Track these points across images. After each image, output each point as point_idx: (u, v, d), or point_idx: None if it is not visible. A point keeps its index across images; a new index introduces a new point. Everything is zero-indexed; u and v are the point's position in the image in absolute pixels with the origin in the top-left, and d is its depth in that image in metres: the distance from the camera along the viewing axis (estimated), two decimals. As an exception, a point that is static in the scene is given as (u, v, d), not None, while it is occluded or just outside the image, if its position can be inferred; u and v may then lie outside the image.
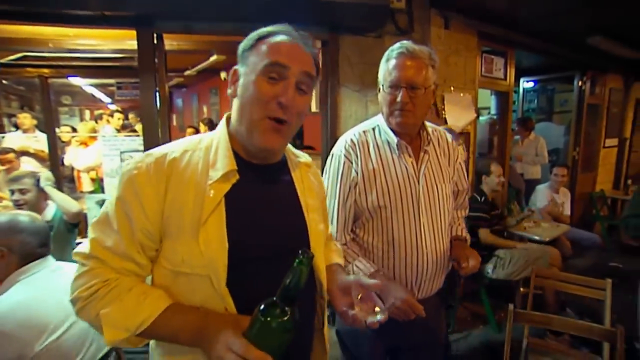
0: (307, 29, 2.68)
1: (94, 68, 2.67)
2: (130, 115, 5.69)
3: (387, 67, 1.18)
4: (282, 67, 0.74)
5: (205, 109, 8.27)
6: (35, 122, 4.25)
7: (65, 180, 4.15)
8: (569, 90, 5.40)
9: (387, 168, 1.22)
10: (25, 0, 2.11)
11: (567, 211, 3.74)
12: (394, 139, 1.22)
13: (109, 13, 2.21)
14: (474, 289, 3.11)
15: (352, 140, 1.25)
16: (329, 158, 1.29)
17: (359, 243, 1.26)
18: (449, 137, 1.36)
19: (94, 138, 4.27)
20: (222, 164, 0.76)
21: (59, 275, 1.36)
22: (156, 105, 2.41)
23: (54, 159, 2.62)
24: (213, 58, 5.20)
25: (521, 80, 6.17)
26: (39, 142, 4.19)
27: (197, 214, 0.72)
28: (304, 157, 0.97)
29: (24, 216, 1.39)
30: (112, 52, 2.95)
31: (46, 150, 4.28)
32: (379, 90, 1.22)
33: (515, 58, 3.72)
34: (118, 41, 2.73)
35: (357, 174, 1.21)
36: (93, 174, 4.06)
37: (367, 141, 1.25)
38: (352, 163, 1.22)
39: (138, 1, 2.10)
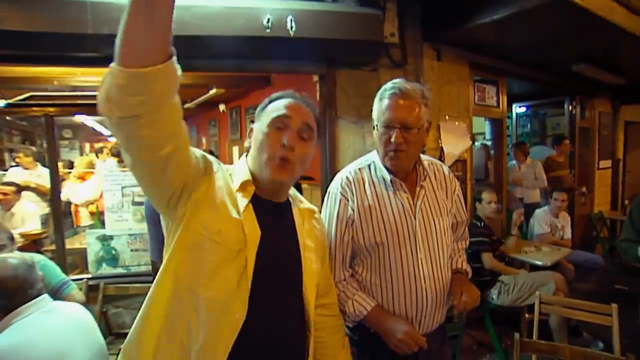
0: (305, 64, 2.79)
1: (94, 106, 2.73)
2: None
3: (380, 107, 1.19)
4: (286, 117, 0.92)
5: (204, 141, 8.40)
6: (32, 160, 4.31)
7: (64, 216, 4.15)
8: (560, 114, 5.55)
9: (382, 204, 1.21)
10: (31, 44, 2.19)
11: (568, 235, 3.74)
12: (387, 176, 1.22)
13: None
14: (479, 316, 3.07)
15: (347, 178, 1.26)
16: (326, 196, 1.30)
17: (358, 279, 1.25)
18: (446, 169, 1.37)
19: (92, 172, 4.31)
20: (240, 177, 0.93)
21: (53, 317, 1.34)
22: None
23: (56, 196, 2.63)
24: (212, 91, 5.35)
25: (514, 105, 6.34)
26: (40, 177, 4.22)
27: (232, 206, 0.87)
28: (309, 205, 1.10)
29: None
30: None
31: (47, 185, 4.33)
32: (374, 128, 1.24)
33: (506, 85, 3.85)
34: None
35: (353, 211, 1.21)
36: (92, 208, 4.06)
37: (362, 178, 1.26)
38: (348, 200, 1.23)
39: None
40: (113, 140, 7.98)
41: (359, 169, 1.28)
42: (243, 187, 0.91)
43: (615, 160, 5.73)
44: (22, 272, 1.38)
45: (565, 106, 5.11)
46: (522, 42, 3.18)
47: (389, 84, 1.21)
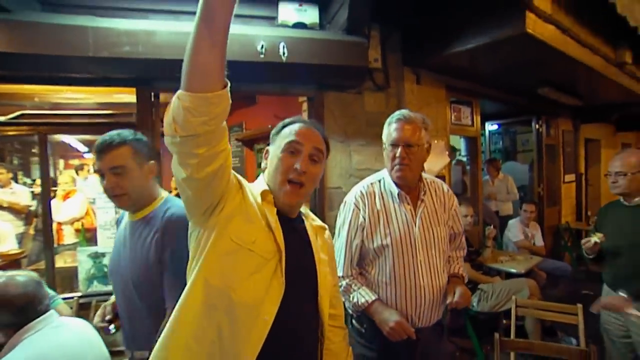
0: (295, 86, 2.97)
1: (88, 125, 2.78)
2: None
3: (388, 130, 1.46)
4: (298, 143, 1.03)
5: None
6: (10, 175, 4.22)
7: (39, 233, 4.07)
8: (529, 131, 5.93)
9: (389, 214, 1.44)
10: (30, 65, 2.24)
11: (540, 242, 4.01)
12: (395, 190, 1.46)
13: (112, 76, 2.39)
14: (461, 324, 3.23)
15: (361, 191, 1.50)
16: (342, 205, 1.54)
17: (366, 277, 1.46)
18: (445, 187, 1.59)
19: (75, 190, 4.27)
20: (258, 190, 1.03)
21: (63, 332, 1.38)
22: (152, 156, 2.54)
23: (47, 215, 2.64)
24: (198, 109, 5.43)
25: (486, 123, 6.72)
26: (14, 194, 4.14)
27: (261, 219, 0.98)
28: (320, 222, 1.21)
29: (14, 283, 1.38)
30: (104, 108, 3.11)
31: (22, 202, 4.23)
32: (384, 149, 1.49)
33: (479, 106, 4.15)
34: (106, 95, 2.88)
35: (364, 219, 1.44)
36: (78, 225, 4.01)
37: (373, 192, 1.49)
38: (360, 210, 1.46)
39: (140, 65, 2.28)
40: (90, 156, 7.80)
41: (371, 183, 1.52)
42: (263, 196, 1.01)
43: (578, 174, 6.16)
44: (31, 289, 1.41)
45: (533, 125, 5.49)
46: (493, 67, 3.47)
47: (396, 112, 1.47)
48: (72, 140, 7.38)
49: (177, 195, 1.20)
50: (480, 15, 2.72)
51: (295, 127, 1.07)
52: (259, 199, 1.01)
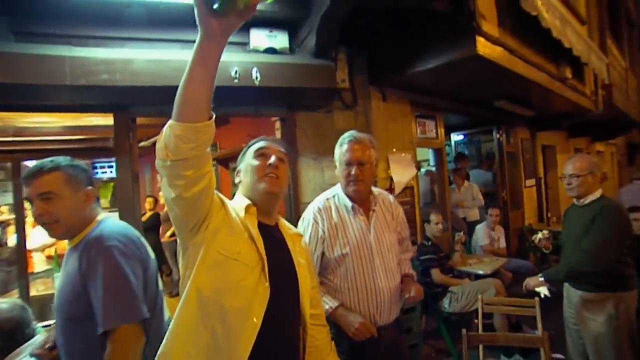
0: (268, 108, 3.12)
1: (65, 150, 2.81)
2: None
3: (341, 150, 1.62)
4: (265, 148, 1.21)
5: (159, 178, 8.22)
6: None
7: (4, 263, 3.95)
8: (492, 140, 6.32)
9: (345, 225, 1.60)
10: (4, 94, 2.28)
11: (503, 244, 4.29)
12: (349, 204, 1.61)
13: (90, 102, 2.45)
14: (435, 327, 3.40)
15: (318, 207, 1.64)
16: (301, 221, 1.66)
17: (330, 285, 1.58)
18: (391, 197, 1.78)
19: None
20: (241, 204, 1.15)
21: None
22: (131, 182, 2.60)
23: (21, 244, 2.62)
24: (171, 130, 5.46)
25: (452, 134, 7.09)
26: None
27: (244, 231, 1.10)
28: (297, 230, 1.37)
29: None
30: (74, 131, 3.13)
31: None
32: (336, 168, 1.65)
33: (444, 118, 4.43)
34: (75, 118, 2.88)
35: (323, 232, 1.58)
36: (50, 251, 3.94)
37: (330, 206, 1.64)
38: (318, 224, 1.59)
39: (117, 92, 2.35)
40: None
41: (327, 199, 1.66)
42: (247, 209, 1.13)
43: (537, 179, 6.58)
44: (17, 314, 1.46)
45: (494, 134, 5.87)
46: (453, 84, 3.76)
47: (346, 134, 1.63)
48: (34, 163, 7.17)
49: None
50: (437, 39, 2.99)
51: (260, 142, 1.24)
52: (241, 213, 1.13)
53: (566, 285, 2.33)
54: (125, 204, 2.58)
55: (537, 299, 2.34)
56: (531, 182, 6.37)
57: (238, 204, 1.16)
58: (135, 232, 1.34)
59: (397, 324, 1.67)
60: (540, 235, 2.52)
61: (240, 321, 1.01)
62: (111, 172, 6.64)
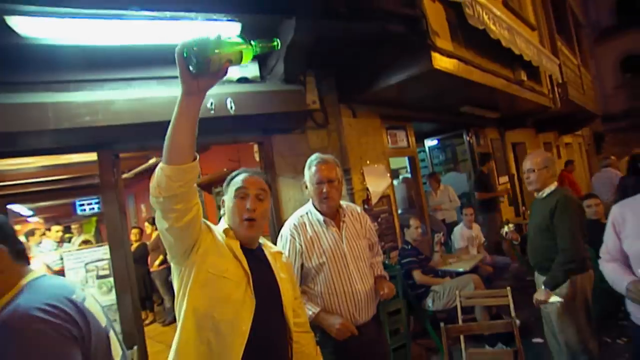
0: (245, 134, 3.31)
1: (52, 191, 2.90)
2: (74, 226, 5.66)
3: (310, 172, 1.80)
4: (245, 188, 1.31)
5: (143, 208, 8.27)
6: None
7: None
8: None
9: (320, 237, 1.77)
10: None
11: (482, 239, 4.52)
12: (321, 218, 1.79)
13: (74, 144, 2.57)
14: (423, 327, 3.56)
15: (294, 224, 1.80)
16: (279, 238, 1.83)
17: (311, 292, 1.75)
18: (358, 208, 1.98)
19: (31, 257, 4.22)
20: (220, 230, 1.29)
21: None
22: (119, 217, 2.71)
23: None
24: (152, 161, 5.55)
25: (426, 141, 7.39)
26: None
27: (229, 251, 1.24)
28: (278, 248, 1.52)
29: None
30: (53, 171, 3.21)
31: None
32: (306, 188, 1.83)
33: (415, 127, 4.68)
34: (53, 158, 2.95)
35: (301, 246, 1.74)
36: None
37: (304, 222, 1.81)
38: (295, 239, 1.76)
39: (100, 132, 2.47)
40: (34, 220, 7.47)
41: (301, 216, 1.84)
42: (226, 233, 1.28)
43: (510, 175, 6.91)
44: None
45: (464, 137, 6.18)
46: (418, 95, 4.02)
47: (312, 157, 1.83)
48: (15, 206, 7.12)
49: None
50: (397, 57, 3.24)
51: (241, 177, 1.35)
52: (224, 236, 1.28)
53: (536, 273, 2.54)
54: (114, 238, 2.68)
55: (508, 288, 2.54)
56: (504, 179, 6.68)
57: (221, 229, 1.32)
58: (74, 296, 0.99)
59: (376, 321, 1.84)
60: (506, 228, 2.74)
61: (231, 331, 1.15)
62: (92, 208, 6.69)
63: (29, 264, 1.03)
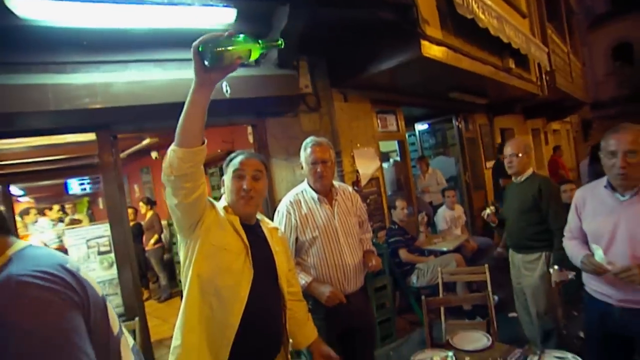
0: (240, 117, 3.43)
1: (53, 171, 2.99)
2: (68, 206, 5.75)
3: (306, 153, 1.94)
4: (242, 170, 1.41)
5: (137, 188, 8.33)
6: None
7: None
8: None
9: (314, 214, 1.92)
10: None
11: (464, 221, 4.73)
12: (315, 196, 1.94)
13: (73, 125, 2.65)
14: (408, 303, 3.79)
15: (290, 201, 1.96)
16: (276, 213, 1.98)
17: (304, 264, 1.91)
18: (349, 188, 2.13)
19: (27, 235, 4.33)
20: (221, 207, 1.40)
21: None
22: (118, 195, 2.82)
23: None
24: (145, 141, 5.60)
25: (416, 125, 7.52)
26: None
27: (230, 226, 1.36)
28: (274, 224, 1.63)
29: None
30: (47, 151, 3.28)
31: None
32: (302, 168, 1.97)
33: (405, 111, 4.80)
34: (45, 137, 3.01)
35: (296, 221, 1.90)
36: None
37: (299, 200, 1.96)
38: (291, 215, 1.91)
39: (99, 113, 2.55)
40: (25, 200, 7.50)
41: (296, 194, 1.99)
42: (225, 210, 1.39)
43: (497, 160, 7.10)
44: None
45: (453, 122, 6.32)
46: (408, 81, 4.13)
47: (308, 140, 1.96)
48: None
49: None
50: (388, 44, 3.33)
51: (238, 159, 1.45)
52: (225, 212, 1.41)
53: (510, 251, 2.74)
54: (114, 215, 2.80)
55: (486, 265, 2.75)
56: (491, 163, 6.86)
57: (221, 206, 1.45)
58: (68, 264, 0.87)
59: (363, 292, 2.03)
60: (488, 211, 2.92)
61: (232, 296, 1.30)
62: (83, 189, 6.70)
63: (13, 235, 0.91)
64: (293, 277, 1.65)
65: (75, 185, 6.87)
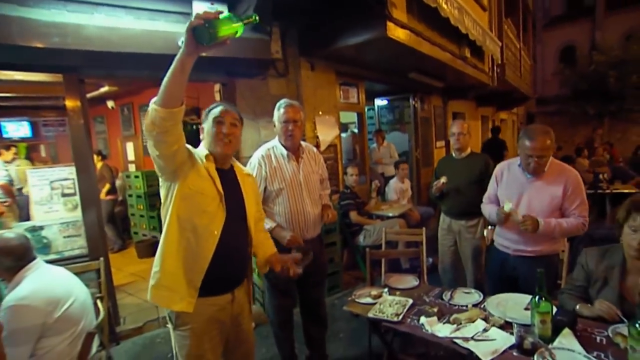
0: (211, 75, 3.60)
1: (19, 108, 2.94)
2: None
3: (279, 113, 2.17)
4: (222, 117, 1.58)
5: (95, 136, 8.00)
6: None
7: None
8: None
9: (282, 168, 2.18)
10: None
11: (409, 194, 5.21)
12: (285, 152, 2.19)
13: (39, 63, 2.63)
14: (354, 260, 4.23)
15: (262, 155, 2.19)
16: (249, 164, 2.19)
17: (270, 212, 2.18)
18: (314, 149, 2.39)
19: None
20: (203, 153, 1.56)
21: (53, 270, 1.85)
22: (85, 139, 2.87)
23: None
24: (104, 89, 5.42)
25: (376, 100, 7.86)
26: None
27: (206, 172, 1.52)
28: (247, 170, 1.82)
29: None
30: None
31: None
32: (274, 126, 2.20)
33: (367, 86, 5.06)
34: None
35: (266, 172, 2.15)
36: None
37: (270, 154, 2.20)
38: (262, 167, 2.15)
39: (68, 54, 2.54)
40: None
41: (268, 149, 2.22)
42: (207, 158, 1.54)
43: (447, 141, 7.70)
44: (24, 240, 1.81)
45: (410, 101, 6.71)
46: (371, 57, 4.37)
47: (282, 101, 2.20)
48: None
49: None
50: (356, 21, 3.53)
51: (218, 109, 1.60)
52: (204, 160, 1.59)
53: (447, 219, 3.16)
54: (81, 159, 2.86)
55: (424, 228, 3.18)
56: (441, 143, 7.46)
57: (201, 153, 1.57)
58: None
59: (320, 239, 2.37)
60: (443, 179, 3.19)
61: (206, 232, 1.52)
62: (21, 131, 6.23)
63: None
64: (260, 217, 1.89)
65: (11, 129, 6.44)
